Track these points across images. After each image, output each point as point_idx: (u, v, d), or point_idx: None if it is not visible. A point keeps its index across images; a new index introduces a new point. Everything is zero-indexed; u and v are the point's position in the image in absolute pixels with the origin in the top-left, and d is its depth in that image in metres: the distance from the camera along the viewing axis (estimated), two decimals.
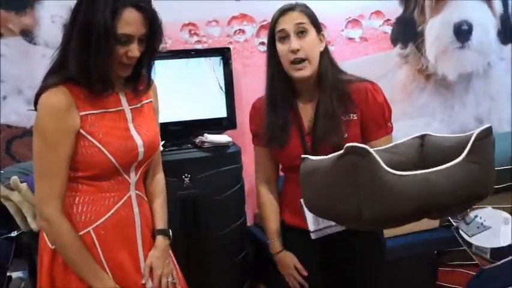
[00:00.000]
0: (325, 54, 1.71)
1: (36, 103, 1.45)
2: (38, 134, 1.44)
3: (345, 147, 1.29)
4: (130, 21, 1.40)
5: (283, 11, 1.69)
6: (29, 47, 2.61)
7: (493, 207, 2.64)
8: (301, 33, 1.65)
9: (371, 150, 1.25)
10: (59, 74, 1.43)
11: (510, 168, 2.75)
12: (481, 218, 1.67)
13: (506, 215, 1.57)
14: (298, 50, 1.65)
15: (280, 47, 1.67)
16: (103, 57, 1.40)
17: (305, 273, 1.74)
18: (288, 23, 1.66)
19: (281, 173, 1.90)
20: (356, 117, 1.68)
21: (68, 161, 1.44)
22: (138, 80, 1.57)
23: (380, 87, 1.73)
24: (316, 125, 1.68)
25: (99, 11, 1.37)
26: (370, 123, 1.69)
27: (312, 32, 1.66)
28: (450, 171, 1.30)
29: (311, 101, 1.72)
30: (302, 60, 1.66)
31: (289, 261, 1.77)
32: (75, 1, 1.44)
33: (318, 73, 1.69)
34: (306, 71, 1.66)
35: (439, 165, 1.33)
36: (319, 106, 1.68)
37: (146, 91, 1.59)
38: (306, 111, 1.73)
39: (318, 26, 1.70)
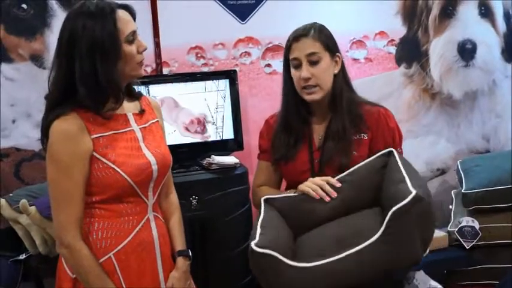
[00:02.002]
0: (339, 76, 1.71)
1: (43, 135, 1.47)
2: (51, 161, 1.44)
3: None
4: (127, 19, 1.48)
5: (297, 37, 1.70)
6: (39, 71, 2.65)
7: (494, 226, 2.63)
8: (314, 62, 1.67)
9: (272, 253, 1.33)
10: (65, 104, 1.45)
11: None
12: (417, 280, 1.64)
13: (434, 283, 1.53)
14: (309, 79, 1.68)
15: (294, 72, 1.70)
16: (113, 71, 1.44)
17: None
18: (300, 52, 1.68)
19: None
20: (366, 138, 1.68)
21: (83, 186, 1.45)
22: (140, 99, 1.61)
23: (392, 113, 1.74)
24: (325, 144, 1.69)
25: (98, 30, 1.41)
26: (379, 147, 1.68)
27: (325, 58, 1.68)
28: (361, 254, 1.28)
29: (324, 119, 1.74)
30: (313, 86, 1.69)
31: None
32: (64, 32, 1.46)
33: (331, 94, 1.71)
34: (317, 95, 1.69)
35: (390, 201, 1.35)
36: (331, 125, 1.70)
37: (138, 100, 1.62)
38: (318, 128, 1.75)
39: (332, 49, 1.70)
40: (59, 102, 1.46)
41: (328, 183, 1.56)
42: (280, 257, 1.34)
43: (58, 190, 1.44)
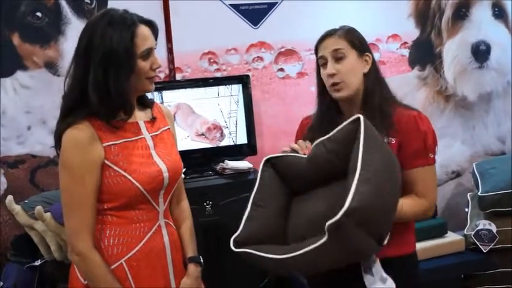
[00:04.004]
0: (371, 76, 1.69)
1: (57, 142, 1.48)
2: (64, 169, 1.45)
3: None
4: (146, 35, 1.47)
5: (322, 38, 1.71)
6: (53, 78, 2.67)
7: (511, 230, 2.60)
8: (339, 58, 1.67)
9: (248, 250, 1.47)
10: (78, 112, 1.46)
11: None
12: (374, 269, 1.63)
13: (385, 275, 1.55)
14: (334, 75, 1.68)
15: (322, 72, 1.72)
16: (124, 83, 1.44)
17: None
18: (325, 50, 1.69)
19: None
20: (394, 141, 1.64)
21: (95, 194, 1.45)
22: (153, 107, 1.61)
23: (426, 117, 1.70)
24: None
25: (115, 41, 1.42)
26: (409, 151, 1.65)
27: (351, 56, 1.67)
28: (317, 252, 1.34)
29: None
30: (339, 83, 1.68)
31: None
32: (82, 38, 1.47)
33: (363, 94, 1.69)
34: (343, 92, 1.68)
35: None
36: None
37: (150, 108, 1.62)
38: None
39: (360, 48, 1.68)
40: (73, 108, 1.47)
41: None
42: (256, 253, 1.45)
43: (70, 197, 1.45)
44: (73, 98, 1.47)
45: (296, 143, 1.84)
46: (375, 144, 1.44)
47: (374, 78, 1.70)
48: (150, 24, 1.51)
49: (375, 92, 1.68)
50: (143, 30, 1.47)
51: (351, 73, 1.67)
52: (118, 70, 1.42)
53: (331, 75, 1.67)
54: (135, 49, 1.44)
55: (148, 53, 1.47)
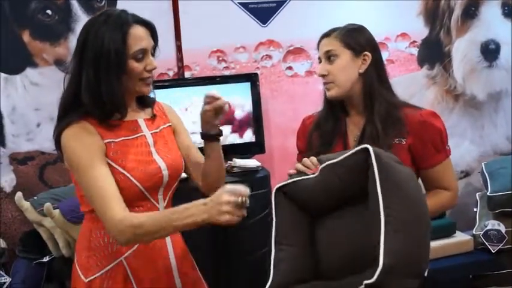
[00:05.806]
0: (369, 75, 1.67)
1: (57, 144, 1.46)
2: (73, 163, 1.43)
3: None
4: (140, 35, 1.44)
5: (320, 38, 1.73)
6: (63, 75, 2.64)
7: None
8: (331, 59, 1.68)
9: None
10: (75, 112, 1.44)
11: None
12: None
13: None
14: (324, 75, 1.68)
15: None
16: (115, 85, 1.42)
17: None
18: (320, 50, 1.71)
19: None
20: (404, 143, 1.64)
21: (109, 173, 1.41)
22: (154, 105, 1.60)
23: (438, 114, 1.71)
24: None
25: (106, 40, 1.40)
26: (425, 151, 1.66)
27: (344, 56, 1.66)
28: None
29: (360, 120, 1.71)
30: (329, 83, 1.69)
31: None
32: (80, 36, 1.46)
33: (363, 94, 1.68)
34: (332, 91, 1.68)
35: None
36: (366, 128, 1.67)
37: (150, 107, 1.60)
38: (354, 129, 1.72)
39: (356, 48, 1.67)
40: (69, 108, 1.45)
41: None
42: None
43: (91, 186, 1.40)
44: (68, 98, 1.46)
45: (298, 145, 1.84)
46: (392, 178, 1.35)
47: (376, 79, 1.68)
48: (147, 25, 1.48)
49: (374, 93, 1.66)
50: (137, 30, 1.44)
51: (341, 73, 1.66)
52: (108, 71, 1.40)
53: (322, 76, 1.69)
54: (127, 49, 1.42)
55: (143, 53, 1.45)
